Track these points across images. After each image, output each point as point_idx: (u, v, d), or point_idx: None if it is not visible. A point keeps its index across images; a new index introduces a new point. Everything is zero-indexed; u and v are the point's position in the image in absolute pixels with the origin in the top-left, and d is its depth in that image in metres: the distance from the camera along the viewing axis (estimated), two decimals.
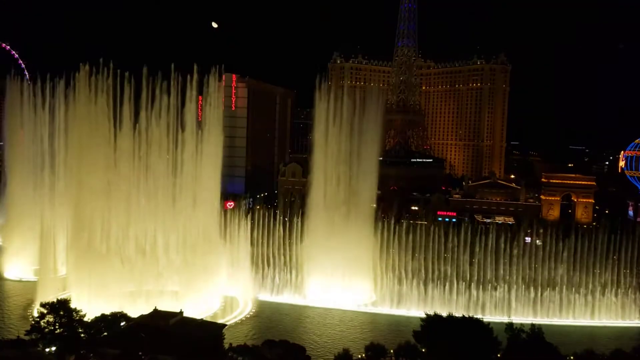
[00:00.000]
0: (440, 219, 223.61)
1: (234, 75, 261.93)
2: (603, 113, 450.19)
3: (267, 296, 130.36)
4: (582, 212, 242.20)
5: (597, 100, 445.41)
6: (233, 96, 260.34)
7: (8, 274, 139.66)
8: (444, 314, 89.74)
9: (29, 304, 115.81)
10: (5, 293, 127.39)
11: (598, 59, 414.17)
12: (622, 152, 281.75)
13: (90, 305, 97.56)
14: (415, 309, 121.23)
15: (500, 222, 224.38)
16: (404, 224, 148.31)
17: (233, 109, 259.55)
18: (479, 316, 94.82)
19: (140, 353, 75.17)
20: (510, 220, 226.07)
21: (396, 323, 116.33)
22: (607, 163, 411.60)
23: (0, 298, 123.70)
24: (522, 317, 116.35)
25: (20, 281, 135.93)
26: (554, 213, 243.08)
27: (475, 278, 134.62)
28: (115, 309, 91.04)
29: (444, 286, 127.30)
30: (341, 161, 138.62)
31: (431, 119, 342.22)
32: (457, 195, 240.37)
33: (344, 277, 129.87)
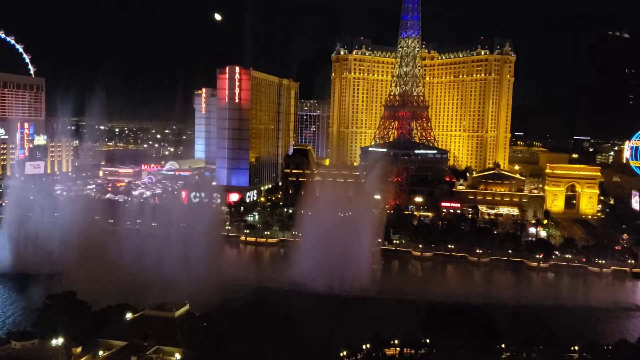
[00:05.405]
0: (444, 210, 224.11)
1: (238, 67, 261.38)
2: (608, 103, 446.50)
3: (272, 284, 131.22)
4: (587, 203, 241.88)
5: (601, 90, 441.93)
6: (237, 88, 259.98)
7: None
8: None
9: None
10: None
11: (603, 48, 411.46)
12: (627, 142, 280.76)
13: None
14: None
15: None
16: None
17: (237, 101, 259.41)
18: None
19: (145, 344, 75.92)
20: (515, 211, 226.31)
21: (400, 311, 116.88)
22: (611, 153, 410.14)
23: None
24: None
25: None
26: (559, 204, 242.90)
27: None
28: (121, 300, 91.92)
29: None
30: None
31: (435, 110, 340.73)
32: (461, 187, 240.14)
33: (345, 266, 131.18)
